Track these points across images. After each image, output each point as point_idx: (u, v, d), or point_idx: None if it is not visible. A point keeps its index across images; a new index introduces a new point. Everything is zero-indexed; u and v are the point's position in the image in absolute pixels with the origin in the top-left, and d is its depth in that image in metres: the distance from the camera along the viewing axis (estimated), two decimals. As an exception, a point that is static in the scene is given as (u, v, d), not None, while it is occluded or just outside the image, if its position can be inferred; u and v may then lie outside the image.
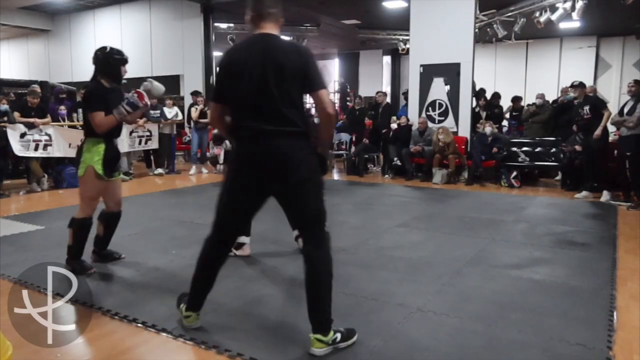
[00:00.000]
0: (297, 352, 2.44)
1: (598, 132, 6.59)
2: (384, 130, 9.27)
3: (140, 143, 8.89)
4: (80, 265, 3.51)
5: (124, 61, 3.54)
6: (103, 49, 3.52)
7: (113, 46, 3.58)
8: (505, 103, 10.27)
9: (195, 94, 9.76)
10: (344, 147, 10.35)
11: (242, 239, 3.88)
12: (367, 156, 9.65)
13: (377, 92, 10.39)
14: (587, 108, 6.78)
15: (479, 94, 9.58)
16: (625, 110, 6.34)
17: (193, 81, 11.57)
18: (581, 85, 7.15)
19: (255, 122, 2.30)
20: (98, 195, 3.55)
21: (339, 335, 2.43)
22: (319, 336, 2.38)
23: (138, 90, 3.47)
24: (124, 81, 3.72)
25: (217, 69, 2.94)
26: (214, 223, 2.52)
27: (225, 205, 2.48)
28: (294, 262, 3.88)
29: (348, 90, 16.93)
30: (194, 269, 2.60)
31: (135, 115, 3.61)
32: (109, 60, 3.47)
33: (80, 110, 8.42)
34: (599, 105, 6.81)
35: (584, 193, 6.89)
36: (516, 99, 10.06)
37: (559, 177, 8.18)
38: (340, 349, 2.43)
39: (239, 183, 2.43)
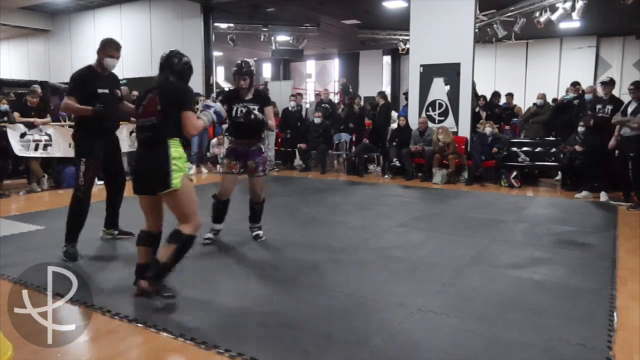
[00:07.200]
0: (297, 352, 2.44)
1: (616, 133, 6.42)
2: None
3: (140, 143, 8.87)
4: (164, 287, 3.01)
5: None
6: (182, 55, 3.41)
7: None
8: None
9: (194, 96, 9.73)
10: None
11: None
12: (367, 156, 9.65)
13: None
14: (609, 107, 6.62)
15: (476, 96, 9.59)
16: (630, 110, 6.25)
17: (193, 81, 11.16)
18: (611, 82, 6.94)
19: None
20: None
21: None
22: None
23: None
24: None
25: None
26: None
27: None
28: (295, 262, 3.89)
29: (350, 90, 16.93)
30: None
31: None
32: (189, 71, 3.47)
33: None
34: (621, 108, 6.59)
35: (584, 193, 6.89)
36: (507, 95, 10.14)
37: (559, 177, 8.17)
38: (341, 348, 2.44)
39: None
